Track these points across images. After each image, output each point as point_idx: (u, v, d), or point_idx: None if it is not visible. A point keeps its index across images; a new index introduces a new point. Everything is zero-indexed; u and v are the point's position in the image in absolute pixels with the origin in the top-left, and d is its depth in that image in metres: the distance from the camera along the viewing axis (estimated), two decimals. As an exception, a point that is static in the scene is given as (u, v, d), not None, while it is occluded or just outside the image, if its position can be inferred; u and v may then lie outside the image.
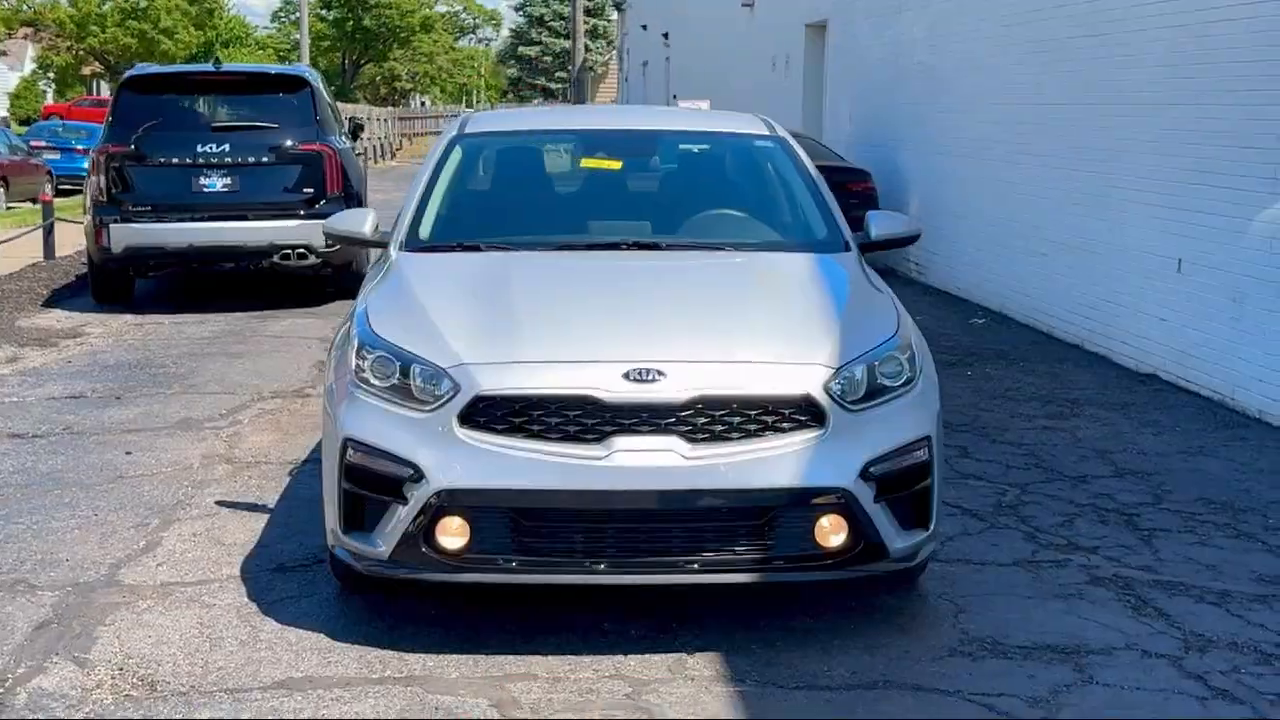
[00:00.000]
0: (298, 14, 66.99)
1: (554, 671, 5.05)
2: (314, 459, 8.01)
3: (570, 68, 51.79)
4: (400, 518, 5.12)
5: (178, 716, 4.71)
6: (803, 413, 5.15)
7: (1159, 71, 10.69)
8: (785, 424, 5.14)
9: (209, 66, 14.68)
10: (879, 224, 6.60)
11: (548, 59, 75.21)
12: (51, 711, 4.76)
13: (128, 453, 8.15)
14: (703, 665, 5.10)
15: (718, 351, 5.27)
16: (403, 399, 5.25)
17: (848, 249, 6.40)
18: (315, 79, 14.71)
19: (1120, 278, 11.32)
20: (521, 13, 76.73)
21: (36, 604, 5.71)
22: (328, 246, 13.66)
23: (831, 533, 5.14)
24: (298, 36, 76.02)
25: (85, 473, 7.71)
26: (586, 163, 6.89)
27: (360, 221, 6.60)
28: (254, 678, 5.01)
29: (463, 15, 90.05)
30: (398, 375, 5.29)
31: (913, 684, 4.97)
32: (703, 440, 5.08)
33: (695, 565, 5.12)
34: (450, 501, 5.07)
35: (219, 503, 7.16)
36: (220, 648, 5.27)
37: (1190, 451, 8.37)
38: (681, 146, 7.18)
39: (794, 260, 6.23)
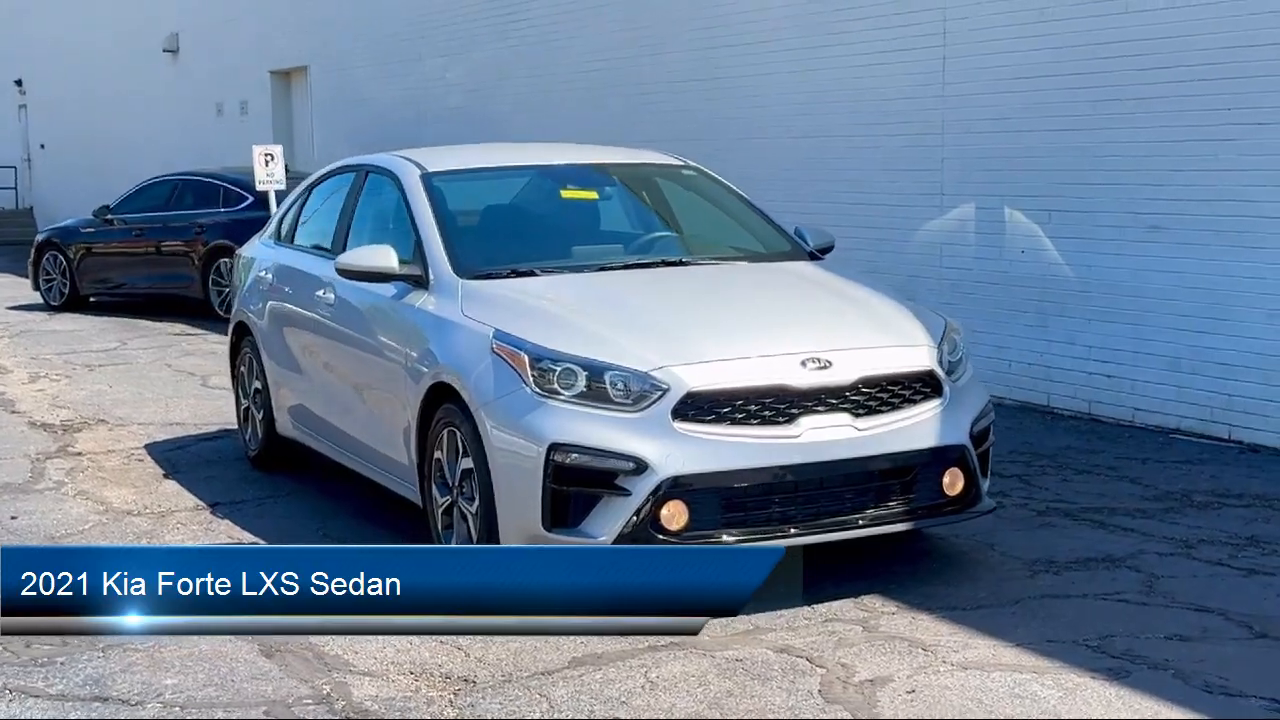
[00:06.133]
0: None
1: (772, 624, 5.81)
2: (220, 502, 8.02)
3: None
4: (625, 507, 5.76)
5: (538, 694, 5.11)
6: (926, 385, 6.26)
7: (800, 108, 12.40)
8: (916, 396, 6.23)
9: None
10: (813, 236, 7.66)
11: None
12: (413, 711, 5.01)
13: (13, 517, 7.81)
14: (880, 604, 6.05)
15: (858, 339, 6.27)
16: (598, 402, 5.88)
17: (813, 258, 7.47)
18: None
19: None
20: None
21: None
22: None
23: (953, 483, 6.27)
24: None
25: None
26: (566, 194, 7.54)
27: (387, 256, 6.89)
28: (538, 663, 5.42)
29: None
30: (585, 382, 5.89)
31: (1042, 595, 6.17)
32: (863, 414, 6.07)
33: (862, 521, 6.10)
34: (674, 486, 5.77)
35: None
36: (459, 650, 5.59)
37: (939, 422, 10.02)
38: (628, 177, 7.92)
39: (808, 267, 7.23)
